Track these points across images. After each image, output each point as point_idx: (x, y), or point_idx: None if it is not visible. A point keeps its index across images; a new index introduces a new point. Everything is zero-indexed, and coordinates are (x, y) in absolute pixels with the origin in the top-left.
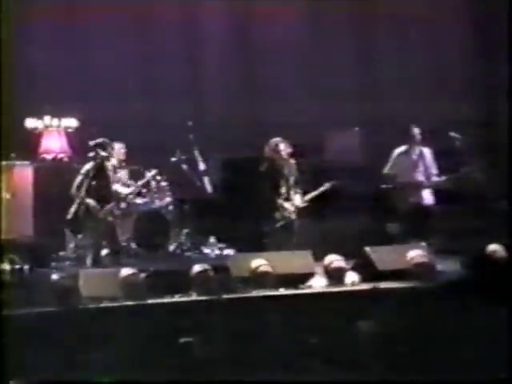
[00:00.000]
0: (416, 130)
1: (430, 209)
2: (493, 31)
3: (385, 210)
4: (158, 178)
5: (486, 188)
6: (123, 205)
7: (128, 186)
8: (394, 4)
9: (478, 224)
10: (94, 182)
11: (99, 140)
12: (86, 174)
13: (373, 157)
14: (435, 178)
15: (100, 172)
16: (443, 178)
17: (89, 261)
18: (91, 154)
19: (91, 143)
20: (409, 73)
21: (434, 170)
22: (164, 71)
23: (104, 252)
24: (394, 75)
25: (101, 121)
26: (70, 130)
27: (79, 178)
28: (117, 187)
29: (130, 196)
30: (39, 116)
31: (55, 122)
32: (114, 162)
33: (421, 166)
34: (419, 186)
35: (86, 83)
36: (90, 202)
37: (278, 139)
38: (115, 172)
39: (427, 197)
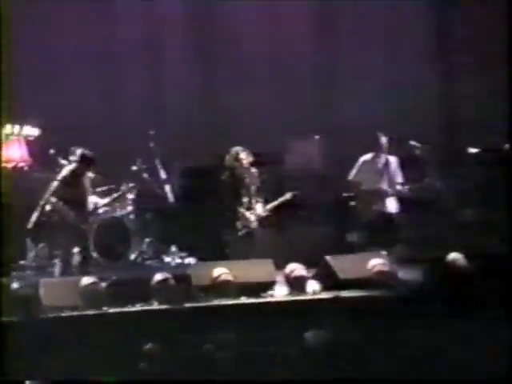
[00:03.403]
0: (384, 139)
1: (393, 217)
2: (454, 37)
3: (346, 219)
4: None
5: (447, 197)
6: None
7: (101, 196)
8: (356, 13)
9: (440, 233)
10: (69, 189)
11: (84, 151)
12: (62, 180)
13: (334, 165)
14: (399, 187)
15: (77, 180)
16: (407, 187)
17: (58, 269)
18: (70, 160)
19: (78, 151)
20: (370, 81)
21: (398, 179)
22: (125, 79)
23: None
24: (355, 83)
25: (62, 129)
26: (30, 139)
27: (55, 184)
28: (93, 197)
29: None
30: None
31: (16, 130)
32: (91, 173)
33: (386, 175)
34: (383, 194)
35: (47, 91)
36: (64, 208)
37: (238, 148)
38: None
39: (390, 205)
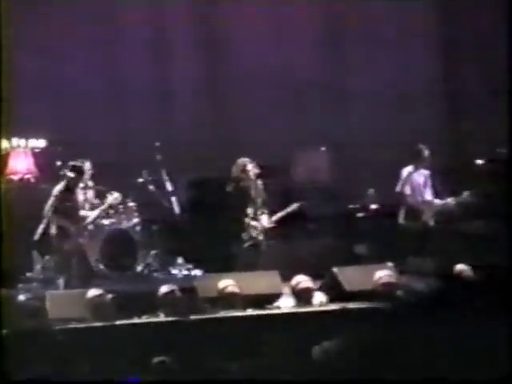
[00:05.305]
0: (427, 152)
1: (433, 229)
2: (462, 43)
3: (353, 230)
4: (124, 199)
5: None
6: (91, 226)
7: (93, 208)
8: (365, 24)
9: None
10: (63, 204)
11: (74, 162)
12: (57, 195)
13: (340, 177)
14: (438, 201)
15: (69, 194)
16: (451, 199)
17: (61, 282)
18: (62, 174)
19: (68, 164)
20: (375, 91)
21: (436, 192)
22: (132, 91)
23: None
24: (362, 94)
25: (68, 141)
26: (36, 151)
27: (52, 200)
28: (82, 211)
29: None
30: (6, 137)
31: (22, 142)
32: (82, 184)
33: (428, 187)
34: (428, 206)
35: (53, 103)
36: (63, 222)
37: (245, 160)
38: (84, 193)
39: (431, 217)
